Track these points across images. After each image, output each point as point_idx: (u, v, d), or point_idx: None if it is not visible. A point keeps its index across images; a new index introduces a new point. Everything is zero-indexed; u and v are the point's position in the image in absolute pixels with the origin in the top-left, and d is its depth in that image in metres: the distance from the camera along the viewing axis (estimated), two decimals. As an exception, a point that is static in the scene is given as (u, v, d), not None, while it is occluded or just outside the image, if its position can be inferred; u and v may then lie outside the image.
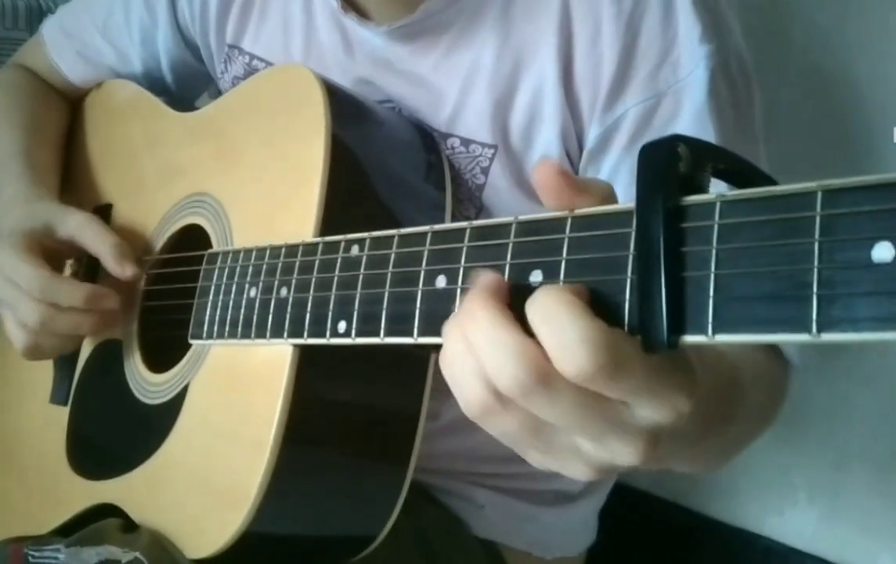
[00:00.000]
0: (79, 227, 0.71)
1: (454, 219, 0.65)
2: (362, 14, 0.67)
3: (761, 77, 0.67)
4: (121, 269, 0.68)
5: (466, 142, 0.66)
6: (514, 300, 0.36)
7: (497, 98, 0.64)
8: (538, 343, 0.32)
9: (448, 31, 0.65)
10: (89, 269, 0.78)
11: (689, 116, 0.59)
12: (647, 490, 1.01)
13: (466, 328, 0.34)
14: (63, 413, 0.75)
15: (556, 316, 0.32)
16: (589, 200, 0.36)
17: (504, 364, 0.33)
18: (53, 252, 0.71)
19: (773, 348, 0.60)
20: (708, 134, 0.58)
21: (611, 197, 0.37)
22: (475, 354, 0.34)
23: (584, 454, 0.35)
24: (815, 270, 0.29)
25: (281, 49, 0.74)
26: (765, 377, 0.54)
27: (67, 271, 0.77)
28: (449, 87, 0.66)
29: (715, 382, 0.42)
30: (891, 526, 0.82)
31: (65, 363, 0.77)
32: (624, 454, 0.34)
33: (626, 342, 0.32)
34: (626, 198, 0.62)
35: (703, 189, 0.34)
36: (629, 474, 0.97)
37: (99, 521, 0.63)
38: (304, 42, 0.72)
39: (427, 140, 0.67)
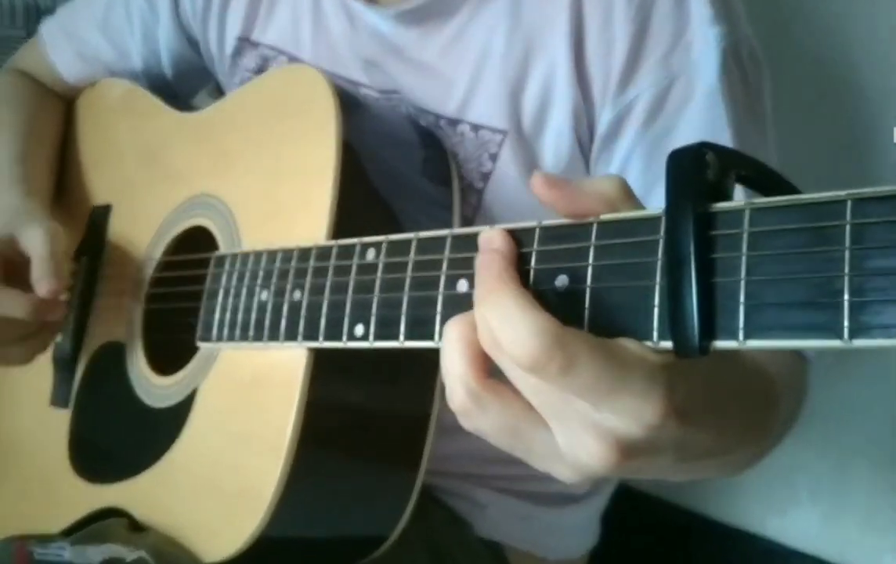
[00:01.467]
0: (30, 238, 0.68)
1: (459, 215, 0.65)
2: None
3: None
4: (36, 284, 0.65)
5: (476, 128, 0.66)
6: None
7: (509, 82, 0.64)
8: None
9: (456, 14, 0.65)
10: (89, 274, 0.77)
11: (702, 99, 0.59)
12: (649, 492, 1.02)
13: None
14: (64, 417, 0.75)
15: (508, 314, 0.32)
16: (590, 201, 0.36)
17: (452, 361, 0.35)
18: (15, 265, 0.68)
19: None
20: (720, 116, 0.59)
21: (617, 194, 0.37)
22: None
23: (562, 453, 0.35)
24: (846, 277, 0.29)
25: (291, 37, 0.74)
26: (794, 382, 0.54)
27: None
28: (458, 72, 0.66)
29: (737, 396, 0.41)
30: (894, 526, 0.83)
31: (65, 365, 0.76)
32: (594, 453, 0.33)
33: (575, 336, 0.32)
34: (639, 184, 0.62)
35: (728, 195, 0.35)
36: (637, 479, 0.98)
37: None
38: (312, 29, 0.72)
39: (432, 138, 0.67)
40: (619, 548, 0.86)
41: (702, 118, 0.59)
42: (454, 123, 0.66)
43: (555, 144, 0.64)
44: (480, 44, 0.64)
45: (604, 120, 0.62)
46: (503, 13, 0.64)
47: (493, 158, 0.65)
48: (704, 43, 0.59)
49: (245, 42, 0.77)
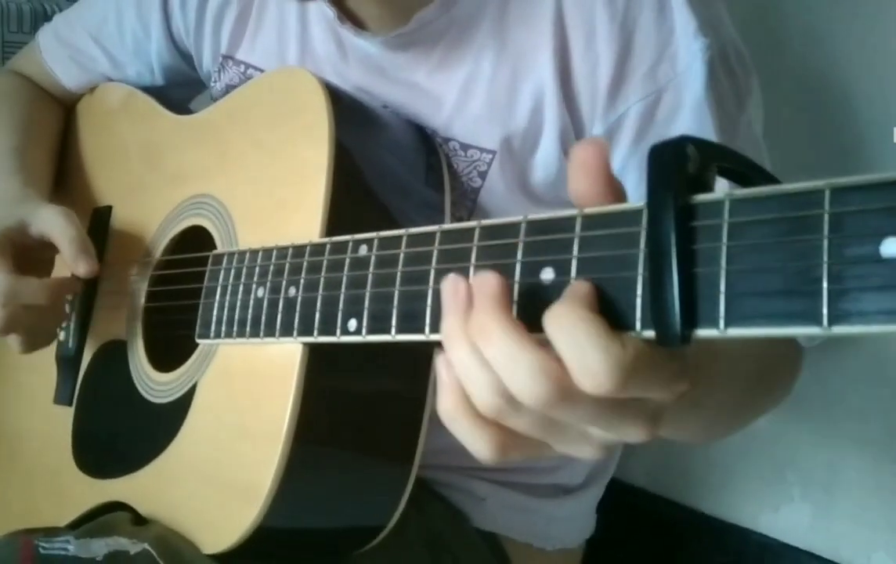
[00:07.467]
0: (46, 221, 0.70)
1: (451, 218, 0.65)
2: (359, 25, 0.68)
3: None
4: (74, 264, 0.68)
5: (465, 147, 0.67)
6: (524, 300, 0.37)
7: (497, 105, 0.65)
8: (555, 356, 0.33)
9: (441, 40, 0.66)
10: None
11: (690, 109, 0.60)
12: (644, 487, 1.02)
13: (477, 341, 0.35)
14: (68, 414, 0.76)
15: (575, 337, 0.33)
16: (613, 199, 0.37)
17: (526, 383, 0.34)
18: (28, 250, 0.70)
19: None
20: (707, 125, 0.59)
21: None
22: (491, 369, 0.35)
23: (594, 439, 0.37)
24: (825, 265, 0.29)
25: (276, 58, 0.74)
26: (783, 362, 0.56)
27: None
28: (446, 93, 0.66)
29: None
30: (885, 522, 0.83)
31: (68, 363, 0.77)
32: (632, 436, 0.36)
33: (638, 353, 0.33)
34: (635, 195, 0.63)
35: (709, 187, 0.35)
36: (626, 469, 0.99)
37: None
38: (299, 51, 0.73)
39: (426, 142, 0.67)
40: (615, 540, 0.87)
41: (690, 129, 0.60)
42: (444, 140, 0.67)
43: (544, 162, 0.65)
44: (468, 68, 0.65)
45: (595, 135, 0.62)
46: (489, 37, 0.64)
47: (483, 176, 0.66)
48: (690, 55, 0.60)
49: (229, 59, 0.78)
